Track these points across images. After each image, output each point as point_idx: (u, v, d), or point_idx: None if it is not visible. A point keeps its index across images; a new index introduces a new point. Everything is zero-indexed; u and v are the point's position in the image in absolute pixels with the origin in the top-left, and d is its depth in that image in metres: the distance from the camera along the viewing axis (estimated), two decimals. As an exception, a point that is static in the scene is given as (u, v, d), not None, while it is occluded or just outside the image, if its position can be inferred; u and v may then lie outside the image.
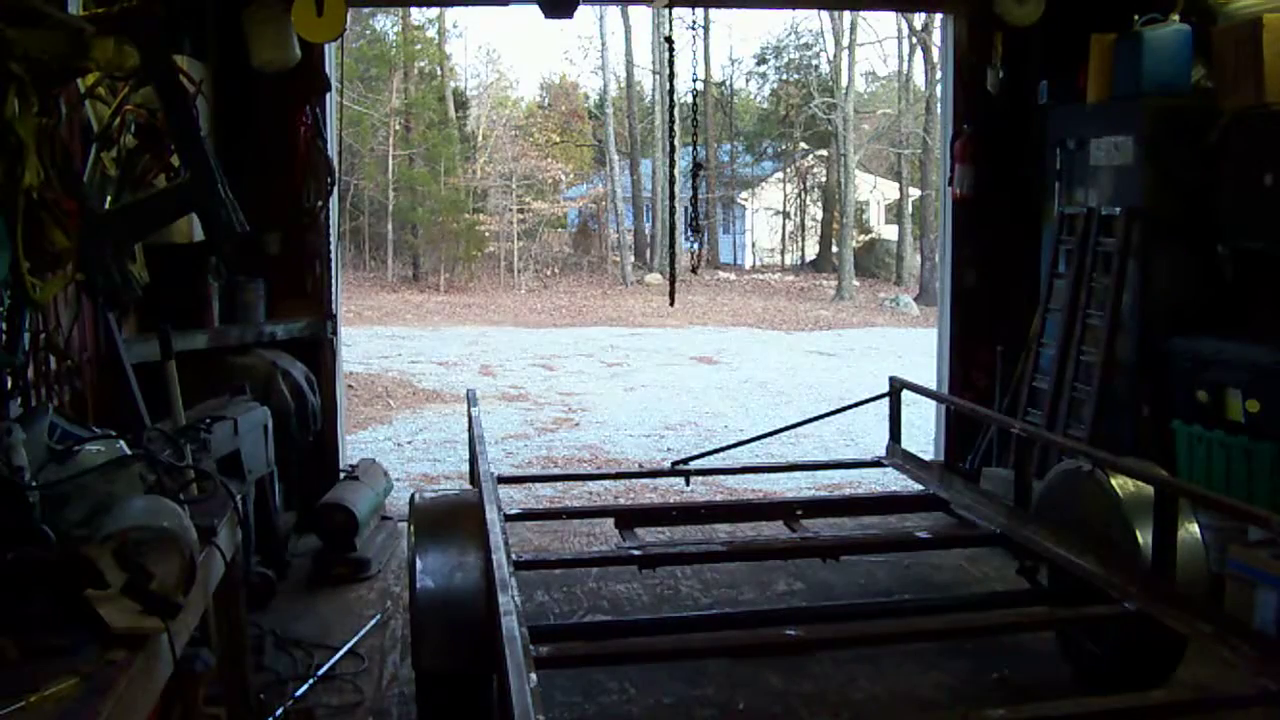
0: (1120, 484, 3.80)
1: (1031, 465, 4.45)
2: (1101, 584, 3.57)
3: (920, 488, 4.97)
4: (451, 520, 3.45)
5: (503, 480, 4.63)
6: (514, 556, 3.45)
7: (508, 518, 3.93)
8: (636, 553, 4.19)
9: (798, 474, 7.23)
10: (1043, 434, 4.71)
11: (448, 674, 3.19)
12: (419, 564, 3.30)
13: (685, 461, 5.80)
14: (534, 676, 2.36)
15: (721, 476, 7.10)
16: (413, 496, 3.67)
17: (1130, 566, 3.57)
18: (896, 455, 5.27)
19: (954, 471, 5.03)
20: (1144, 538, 3.55)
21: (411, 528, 3.50)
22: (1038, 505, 4.24)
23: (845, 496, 6.20)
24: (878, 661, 4.20)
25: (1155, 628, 3.34)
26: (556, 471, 7.97)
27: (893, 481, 6.54)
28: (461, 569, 3.27)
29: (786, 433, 6.98)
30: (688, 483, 5.65)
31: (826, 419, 6.48)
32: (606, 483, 7.20)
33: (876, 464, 5.43)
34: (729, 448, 6.05)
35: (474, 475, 4.06)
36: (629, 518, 4.64)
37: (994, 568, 5.16)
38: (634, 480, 7.13)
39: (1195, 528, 3.62)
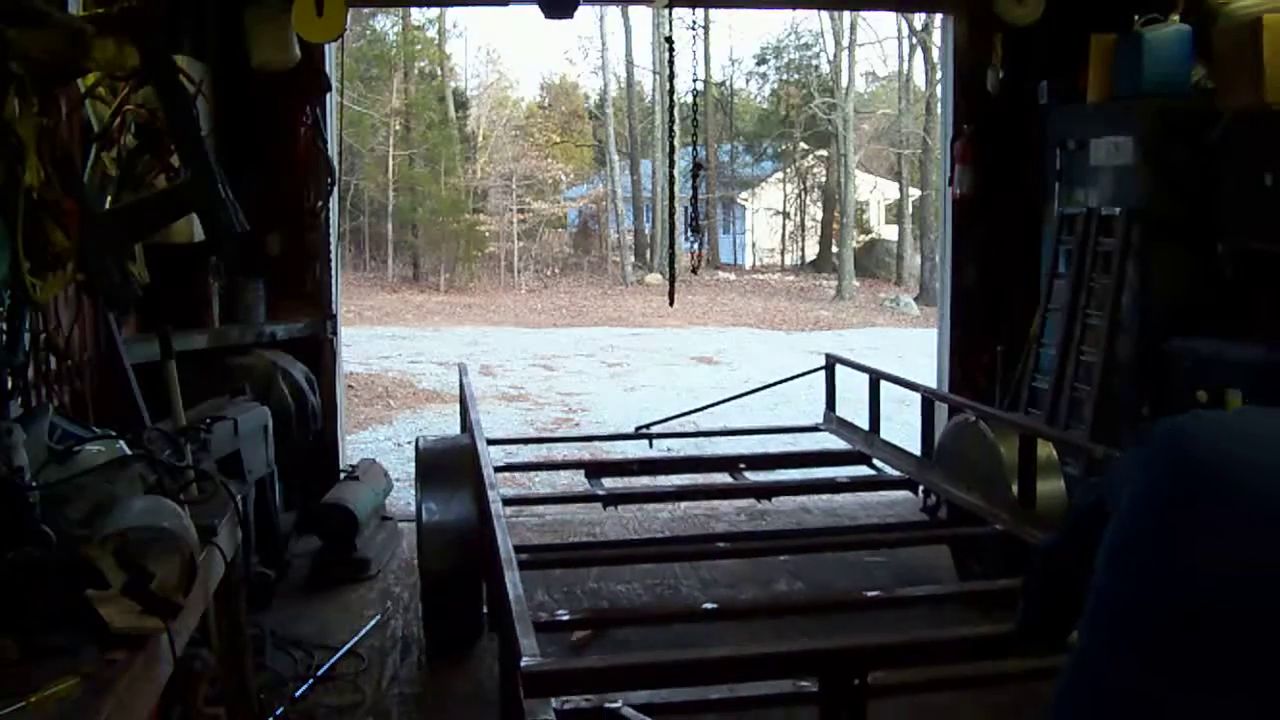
0: (996, 431, 4.59)
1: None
2: (981, 513, 4.44)
3: (849, 446, 5.78)
4: (449, 459, 4.41)
5: (491, 442, 5.25)
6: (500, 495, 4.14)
7: (496, 469, 4.54)
8: (601, 493, 5.24)
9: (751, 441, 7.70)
10: (938, 393, 5.52)
11: (444, 574, 4.13)
12: (424, 493, 4.30)
13: (648, 426, 6.81)
14: (518, 576, 2.83)
15: (683, 441, 8.08)
16: (418, 440, 4.67)
17: (1004, 498, 4.35)
18: (831, 421, 6.16)
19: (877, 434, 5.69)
20: (1013, 475, 4.29)
21: (417, 465, 4.50)
22: (937, 454, 5.07)
23: (783, 452, 6.50)
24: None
25: (1022, 547, 4.02)
26: (534, 435, 9.09)
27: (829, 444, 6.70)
28: (457, 497, 4.21)
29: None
30: (651, 445, 6.68)
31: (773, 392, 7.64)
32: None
33: (814, 429, 6.22)
34: (683, 415, 7.21)
35: (464, 425, 4.94)
36: (598, 469, 5.68)
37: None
38: (615, 456, 7.81)
39: (1057, 465, 4.45)
